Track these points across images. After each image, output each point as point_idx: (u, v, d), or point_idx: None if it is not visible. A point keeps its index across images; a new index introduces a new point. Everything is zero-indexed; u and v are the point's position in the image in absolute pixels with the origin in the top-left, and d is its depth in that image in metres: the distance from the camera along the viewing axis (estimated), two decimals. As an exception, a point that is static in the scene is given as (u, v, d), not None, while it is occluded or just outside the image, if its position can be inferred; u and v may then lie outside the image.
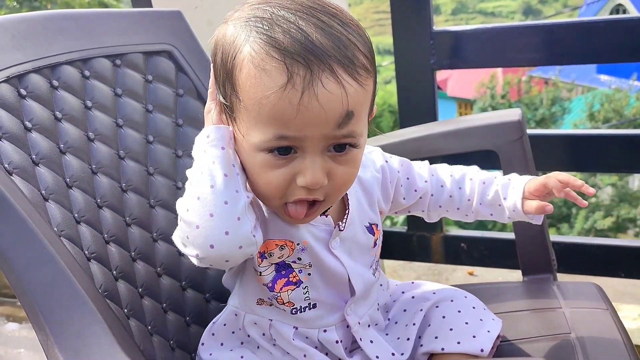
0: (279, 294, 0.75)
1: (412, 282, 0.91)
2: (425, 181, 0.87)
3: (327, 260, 0.75)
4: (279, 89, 0.58)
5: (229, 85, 0.64)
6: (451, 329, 0.78)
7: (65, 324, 0.60)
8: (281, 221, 0.72)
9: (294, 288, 0.75)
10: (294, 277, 0.75)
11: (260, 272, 0.74)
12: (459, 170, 0.89)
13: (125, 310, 0.76)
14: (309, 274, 0.75)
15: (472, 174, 0.88)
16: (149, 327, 0.80)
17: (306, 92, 0.58)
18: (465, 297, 0.84)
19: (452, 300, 0.83)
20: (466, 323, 0.79)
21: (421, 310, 0.82)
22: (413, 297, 0.86)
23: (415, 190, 0.86)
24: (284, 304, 0.76)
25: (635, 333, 1.52)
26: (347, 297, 0.78)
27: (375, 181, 0.82)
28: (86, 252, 0.74)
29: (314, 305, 0.77)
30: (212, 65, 0.70)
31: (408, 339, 0.81)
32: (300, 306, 0.76)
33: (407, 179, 0.86)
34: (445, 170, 0.89)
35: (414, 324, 0.82)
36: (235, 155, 0.67)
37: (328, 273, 0.76)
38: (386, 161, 0.85)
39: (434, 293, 0.85)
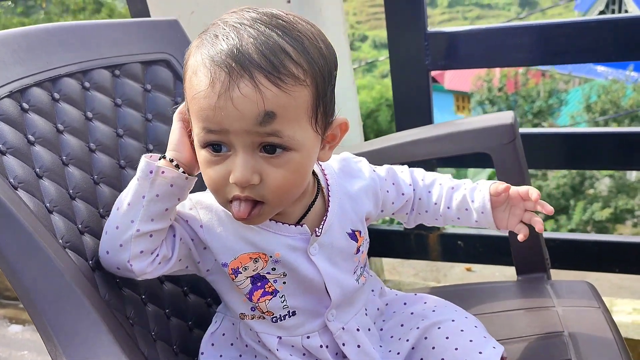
0: (257, 304, 0.77)
1: (415, 294, 0.92)
2: (410, 184, 0.92)
3: (303, 269, 0.77)
4: (202, 92, 0.66)
5: (183, 88, 0.73)
6: (456, 349, 0.79)
7: (72, 334, 0.62)
8: (254, 234, 0.75)
9: (270, 298, 0.77)
10: (270, 287, 0.77)
11: (238, 285, 0.77)
12: (431, 175, 0.94)
13: (130, 317, 0.78)
14: (284, 283, 0.77)
15: (443, 179, 0.93)
16: (153, 333, 0.82)
17: (222, 95, 0.65)
18: (466, 317, 0.85)
19: (453, 320, 0.83)
20: (470, 341, 0.80)
21: (418, 328, 0.83)
22: (412, 313, 0.87)
23: (403, 194, 0.91)
24: (264, 312, 0.78)
25: (630, 327, 1.54)
26: (328, 304, 0.80)
27: (362, 190, 0.85)
28: (90, 262, 0.76)
29: (294, 313, 0.79)
30: None
31: (398, 354, 0.82)
32: (280, 314, 0.78)
33: (393, 184, 0.90)
34: (419, 175, 0.94)
35: (407, 340, 0.83)
36: (158, 188, 0.71)
37: (303, 280, 0.78)
38: (373, 170, 0.89)
39: (434, 311, 0.86)
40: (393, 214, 0.94)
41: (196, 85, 0.67)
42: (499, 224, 0.89)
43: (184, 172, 0.73)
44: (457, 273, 2.31)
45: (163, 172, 0.71)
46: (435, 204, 0.92)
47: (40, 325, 0.63)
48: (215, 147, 0.68)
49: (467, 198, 0.89)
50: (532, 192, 0.84)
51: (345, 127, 0.75)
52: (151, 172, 0.71)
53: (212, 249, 0.76)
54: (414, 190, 0.92)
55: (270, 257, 0.75)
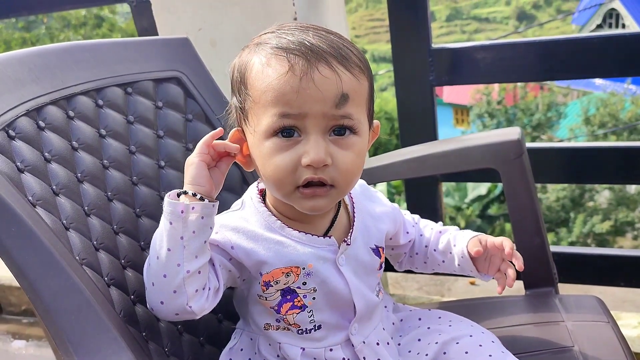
0: (284, 316, 0.78)
1: (429, 310, 0.94)
2: (413, 226, 0.96)
3: (333, 281, 0.78)
4: (281, 76, 0.68)
5: (242, 87, 0.74)
6: None
7: (92, 352, 0.63)
8: (285, 248, 0.76)
9: (298, 312, 0.78)
10: (299, 301, 0.78)
11: (266, 297, 0.78)
12: (424, 221, 0.98)
13: (144, 333, 0.79)
14: (314, 298, 0.78)
15: (434, 224, 0.97)
16: (166, 349, 0.83)
17: (304, 77, 0.68)
18: (483, 332, 0.86)
19: (471, 336, 0.85)
20: (490, 356, 0.81)
21: (436, 343, 0.84)
22: (429, 328, 0.88)
23: (407, 233, 0.95)
24: (290, 325, 0.79)
25: (636, 341, 1.54)
26: (351, 317, 0.81)
27: (384, 214, 0.88)
28: (106, 278, 0.77)
29: (319, 327, 0.80)
30: (231, 93, 0.78)
31: None
32: (306, 328, 0.79)
33: (403, 221, 0.94)
34: (415, 218, 0.98)
35: (426, 355, 0.84)
36: (193, 224, 0.70)
37: (332, 294, 0.79)
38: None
39: (450, 326, 0.87)
40: (392, 249, 0.97)
41: (272, 74, 0.69)
42: (480, 269, 0.91)
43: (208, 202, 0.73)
44: (461, 287, 2.31)
45: (194, 208, 0.70)
46: (426, 246, 0.95)
47: (60, 343, 0.63)
48: (285, 132, 0.70)
49: (450, 242, 0.92)
50: (506, 244, 0.85)
51: (378, 129, 0.80)
52: (182, 211, 0.70)
53: (246, 266, 0.77)
54: (406, 232, 0.95)
55: (303, 269, 0.77)
